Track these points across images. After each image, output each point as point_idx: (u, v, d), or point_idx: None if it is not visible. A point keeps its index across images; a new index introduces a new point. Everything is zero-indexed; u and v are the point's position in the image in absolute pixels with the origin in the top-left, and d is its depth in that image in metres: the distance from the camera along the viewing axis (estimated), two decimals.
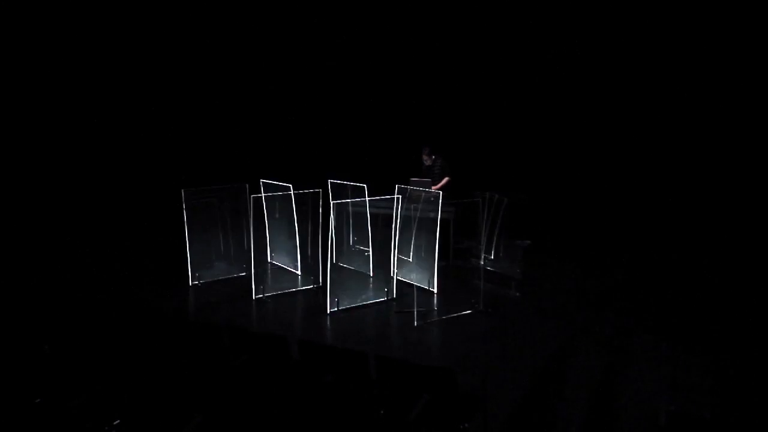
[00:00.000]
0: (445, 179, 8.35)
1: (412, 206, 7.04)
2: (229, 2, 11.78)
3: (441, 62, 10.85)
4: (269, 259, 8.44)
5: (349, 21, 11.33)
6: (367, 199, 7.48)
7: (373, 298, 6.83)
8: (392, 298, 6.86)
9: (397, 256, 6.99)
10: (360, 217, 7.93)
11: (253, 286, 6.99)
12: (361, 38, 11.34)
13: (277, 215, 8.05)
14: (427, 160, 8.46)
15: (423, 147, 8.50)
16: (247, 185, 7.67)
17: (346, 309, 6.53)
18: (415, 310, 6.15)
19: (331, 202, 6.56)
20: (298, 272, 7.87)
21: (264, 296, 7.01)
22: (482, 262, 7.19)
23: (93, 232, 10.43)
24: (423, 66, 11.01)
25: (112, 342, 4.40)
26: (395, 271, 6.98)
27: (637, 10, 9.26)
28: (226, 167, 11.75)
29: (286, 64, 12.15)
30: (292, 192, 7.56)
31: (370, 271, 7.63)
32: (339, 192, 7.84)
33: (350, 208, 7.87)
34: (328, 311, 6.43)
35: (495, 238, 7.22)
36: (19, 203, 10.72)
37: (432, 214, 6.89)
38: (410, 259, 7.19)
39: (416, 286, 6.58)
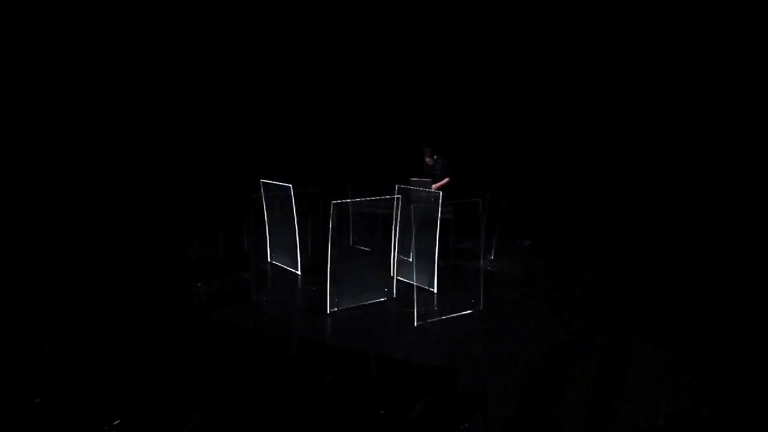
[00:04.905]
0: (446, 179, 8.35)
1: (412, 206, 7.05)
2: (232, 3, 11.77)
3: (442, 63, 10.84)
4: (269, 260, 8.44)
5: (350, 21, 11.32)
6: (366, 199, 7.48)
7: (373, 298, 6.84)
8: (392, 298, 6.86)
9: (397, 256, 6.99)
10: (360, 217, 7.93)
11: (253, 286, 6.98)
12: (362, 39, 11.34)
13: (277, 215, 8.05)
14: (428, 161, 8.46)
15: (424, 147, 8.50)
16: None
17: (346, 309, 6.54)
18: (415, 310, 6.15)
19: (331, 202, 6.56)
20: (298, 272, 7.87)
21: (264, 296, 7.01)
22: (482, 262, 7.19)
23: (93, 232, 10.42)
24: (424, 66, 11.00)
25: (113, 342, 4.39)
26: (395, 271, 6.97)
27: (637, 10, 9.26)
28: (226, 167, 11.77)
29: (286, 65, 12.14)
30: (292, 192, 7.56)
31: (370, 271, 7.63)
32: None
33: (350, 208, 7.87)
34: (328, 311, 6.43)
35: (495, 238, 7.22)
36: (20, 203, 10.72)
37: (432, 214, 6.89)
38: (410, 259, 7.19)
39: (416, 286, 6.57)
